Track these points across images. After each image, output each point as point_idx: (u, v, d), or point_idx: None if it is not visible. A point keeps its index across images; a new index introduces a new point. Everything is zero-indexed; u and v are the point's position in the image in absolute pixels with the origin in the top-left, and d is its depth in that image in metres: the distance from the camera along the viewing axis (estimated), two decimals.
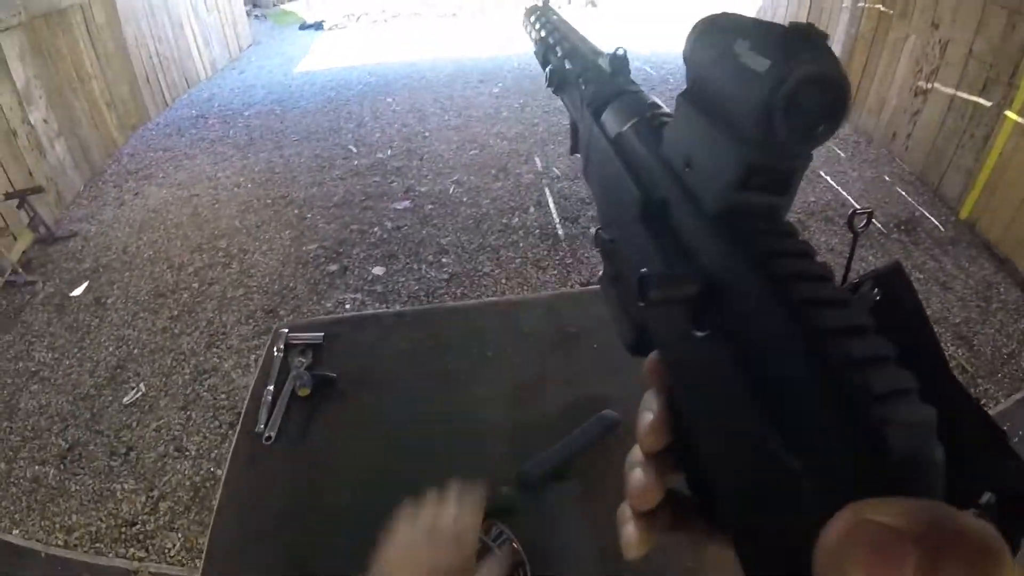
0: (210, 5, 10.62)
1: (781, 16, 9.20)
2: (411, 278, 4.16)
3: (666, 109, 0.47)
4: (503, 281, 4.09)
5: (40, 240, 5.03)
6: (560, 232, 4.61)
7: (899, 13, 6.61)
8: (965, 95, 5.54)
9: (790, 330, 0.25)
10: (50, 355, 3.81)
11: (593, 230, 0.50)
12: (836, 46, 7.70)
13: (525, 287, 4.04)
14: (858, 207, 2.45)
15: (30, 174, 5.30)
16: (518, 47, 10.32)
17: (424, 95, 7.94)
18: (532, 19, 0.82)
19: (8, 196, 4.79)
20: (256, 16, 15.49)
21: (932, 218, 5.29)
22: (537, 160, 5.79)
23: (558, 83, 0.73)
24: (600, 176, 0.55)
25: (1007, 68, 5.09)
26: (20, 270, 4.58)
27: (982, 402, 3.33)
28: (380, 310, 3.60)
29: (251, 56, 11.68)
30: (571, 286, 4.02)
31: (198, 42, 9.94)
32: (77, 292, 4.39)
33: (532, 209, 4.94)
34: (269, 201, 5.35)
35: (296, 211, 5.15)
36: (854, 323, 0.26)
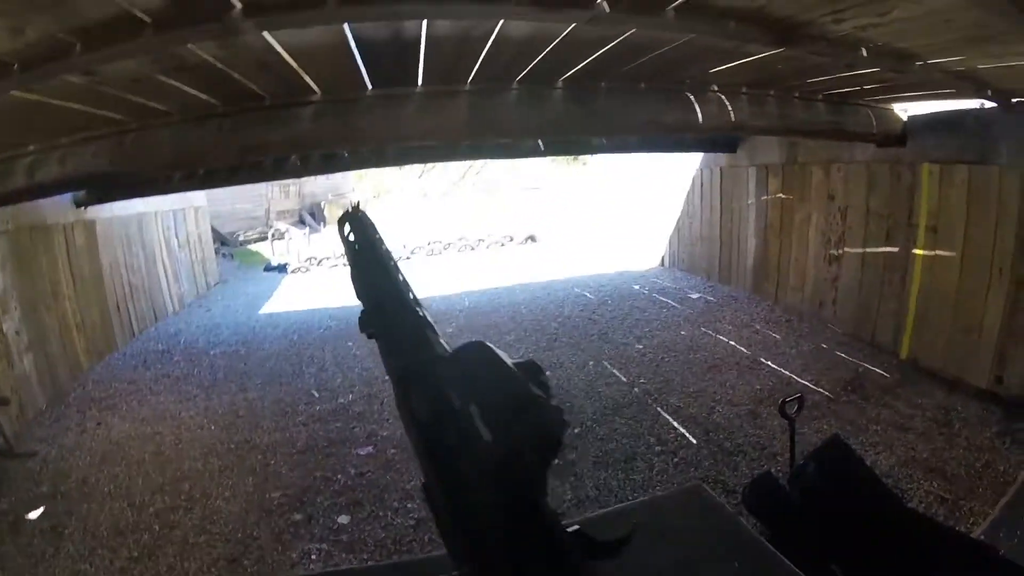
0: (182, 241, 11.28)
1: (696, 222, 10.37)
2: (377, 526, 4.07)
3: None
4: None
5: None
6: None
7: (798, 197, 7.58)
8: (873, 249, 6.30)
9: None
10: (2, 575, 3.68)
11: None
12: (750, 239, 8.74)
13: None
14: (788, 396, 2.79)
15: None
16: (472, 285, 11.35)
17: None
18: (347, 230, 0.87)
19: None
20: (224, 255, 16.28)
21: (876, 368, 5.66)
22: None
23: (369, 334, 0.78)
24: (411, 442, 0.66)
25: (903, 213, 5.83)
26: None
27: (969, 522, 3.44)
28: (346, 568, 3.61)
29: (218, 294, 12.22)
30: None
31: (168, 276, 10.46)
32: (33, 515, 4.30)
33: None
34: (233, 445, 5.36)
35: (260, 456, 5.14)
36: None
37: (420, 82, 4.19)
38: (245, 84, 3.71)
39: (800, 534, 2.43)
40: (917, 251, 5.74)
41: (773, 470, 3.83)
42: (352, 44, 3.22)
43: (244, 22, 2.44)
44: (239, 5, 2.40)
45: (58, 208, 7.02)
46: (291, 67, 3.41)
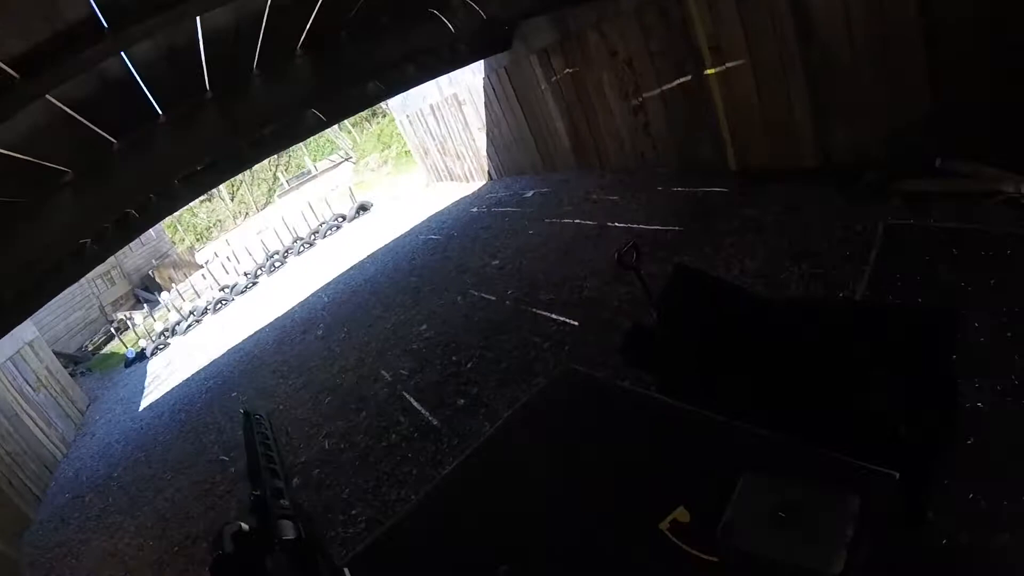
0: (35, 384, 10.48)
1: (504, 127, 10.57)
2: (332, 546, 3.97)
3: None
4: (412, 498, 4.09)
5: None
6: (435, 422, 4.76)
7: (584, 65, 7.92)
8: (669, 86, 6.62)
9: None
10: None
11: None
12: (557, 121, 9.16)
13: None
14: (619, 249, 2.81)
15: None
16: (319, 282, 11.26)
17: (262, 372, 8.24)
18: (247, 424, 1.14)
19: None
20: (81, 373, 15.30)
21: (713, 189, 6.01)
22: (384, 372, 6.10)
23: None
24: None
25: (683, 44, 6.16)
26: None
27: (849, 287, 3.68)
28: None
29: (94, 415, 11.55)
30: None
31: (40, 425, 9.73)
32: None
33: (402, 418, 5.09)
34: (176, 548, 5.21)
35: (204, 544, 4.98)
36: None
37: (160, 111, 3.98)
38: None
39: (679, 365, 2.58)
40: (708, 71, 5.99)
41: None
42: (67, 110, 3.01)
43: None
44: None
45: None
46: (21, 160, 3.16)
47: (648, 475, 1.59)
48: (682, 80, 6.43)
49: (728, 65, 5.77)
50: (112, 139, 3.90)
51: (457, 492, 1.92)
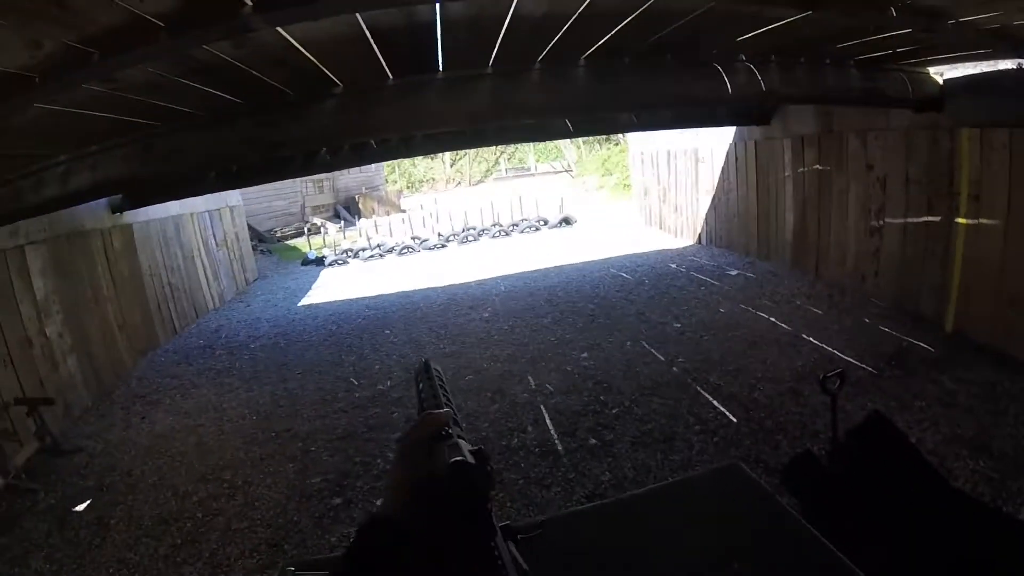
0: (220, 240, 11.52)
1: (732, 197, 10.20)
2: None
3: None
4: (507, 504, 3.98)
5: (45, 450, 5.14)
6: (559, 447, 4.68)
7: (835, 167, 7.37)
8: (915, 219, 6.08)
9: None
10: (48, 566, 3.80)
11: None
12: (787, 213, 8.56)
13: (530, 508, 3.95)
14: (829, 372, 2.69)
15: (41, 384, 5.57)
16: (502, 270, 11.44)
17: (420, 326, 8.48)
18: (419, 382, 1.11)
19: (18, 402, 5.02)
20: (262, 251, 16.61)
21: (920, 343, 5.48)
22: (530, 379, 6.06)
23: None
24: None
25: (943, 180, 5.61)
26: (23, 475, 4.69)
27: (1018, 502, 3.32)
28: None
29: (257, 290, 12.49)
30: (577, 501, 3.93)
31: (207, 275, 10.71)
32: (80, 508, 4.44)
33: (530, 428, 5.04)
34: (273, 434, 5.47)
35: (300, 444, 5.22)
36: None
37: (441, 68, 4.17)
38: (266, 81, 3.73)
39: (840, 513, 2.37)
40: (960, 220, 5.50)
41: (814, 449, 3.77)
42: (367, 33, 3.21)
43: (255, 18, 2.44)
44: (250, 3, 2.40)
45: (95, 214, 7.20)
46: (309, 61, 3.42)
47: None
48: (930, 219, 5.92)
49: (982, 221, 5.24)
50: (390, 74, 4.12)
51: (588, 527, 1.83)
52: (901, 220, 6.38)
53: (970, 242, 5.43)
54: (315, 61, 3.46)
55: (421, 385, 1.08)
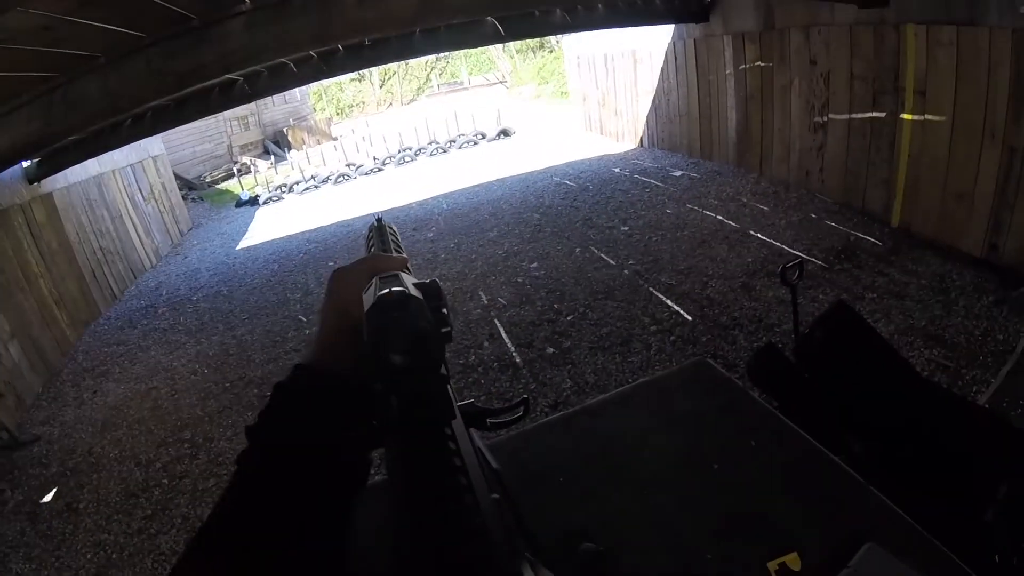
0: (147, 194, 10.97)
1: (673, 98, 10.10)
2: None
3: None
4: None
5: (3, 447, 4.97)
6: (518, 360, 4.69)
7: (777, 63, 7.28)
8: (859, 115, 6.07)
9: None
10: (28, 566, 3.69)
11: None
12: (730, 111, 8.50)
13: None
14: (788, 262, 2.68)
15: None
16: (443, 188, 11.23)
17: (362, 252, 8.11)
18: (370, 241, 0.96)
19: None
20: (192, 199, 15.98)
21: (868, 237, 5.59)
22: (482, 294, 6.02)
23: None
24: None
25: (889, 76, 5.59)
26: None
27: (972, 391, 3.44)
28: None
29: (193, 240, 12.04)
30: (542, 412, 3.93)
31: (139, 232, 10.22)
32: (47, 498, 4.31)
33: (486, 343, 5.04)
34: (228, 384, 5.36)
35: (256, 390, 5.13)
36: None
37: None
38: (165, 6, 3.40)
39: (811, 404, 2.35)
40: (905, 116, 5.46)
41: (774, 341, 3.78)
42: None
43: None
44: None
45: (11, 189, 6.74)
46: None
47: (767, 505, 1.39)
48: (875, 115, 5.87)
49: (927, 117, 5.22)
50: None
51: (558, 438, 1.75)
52: (845, 116, 6.32)
53: (916, 138, 5.41)
54: None
55: (372, 244, 0.94)
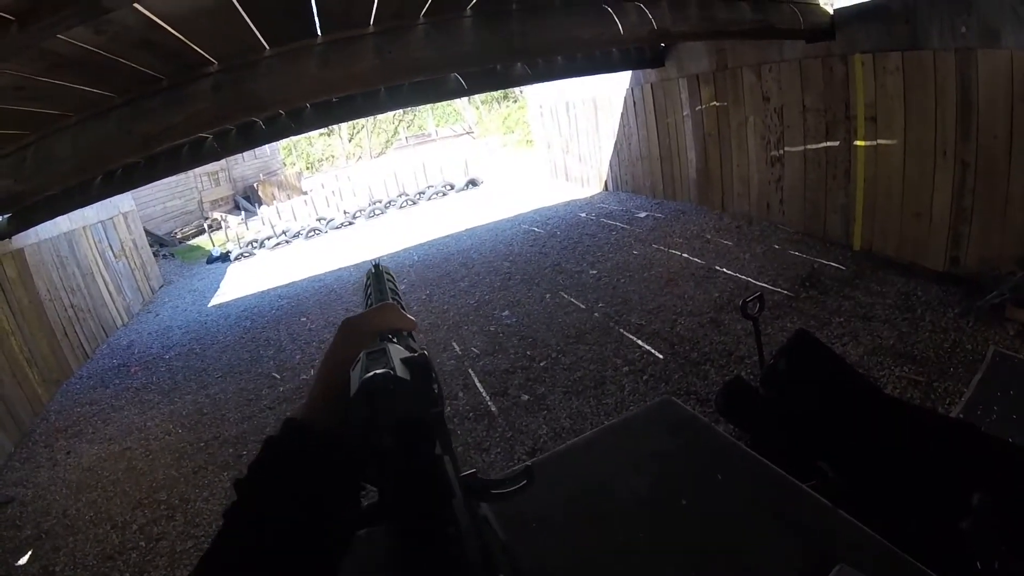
0: (117, 251, 10.88)
1: (634, 142, 10.39)
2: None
3: None
4: None
5: None
6: (493, 409, 4.69)
7: (733, 102, 7.54)
8: (814, 145, 6.31)
9: None
10: None
11: None
12: (689, 151, 8.75)
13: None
14: (748, 296, 2.76)
15: None
16: (413, 240, 11.30)
17: (335, 307, 8.30)
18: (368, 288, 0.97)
19: None
20: (163, 256, 15.88)
21: (831, 263, 5.75)
22: (455, 344, 6.03)
23: None
24: None
25: (840, 106, 5.84)
26: None
27: (946, 403, 3.50)
28: None
29: (164, 297, 11.93)
30: (518, 459, 3.95)
31: (110, 289, 10.09)
32: (22, 561, 4.19)
33: (461, 394, 5.01)
34: (202, 444, 5.28)
35: (231, 450, 5.06)
36: None
37: (319, 32, 3.97)
38: (134, 68, 3.48)
39: (778, 433, 2.42)
40: (858, 143, 5.71)
41: (743, 374, 3.87)
42: (235, 1, 3.02)
43: None
44: None
45: None
46: (177, 39, 3.21)
47: (736, 536, 1.46)
48: (829, 144, 6.13)
49: (880, 142, 5.46)
50: (266, 44, 3.91)
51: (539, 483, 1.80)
52: (801, 148, 6.57)
53: (870, 163, 5.64)
54: (183, 38, 3.24)
55: (370, 291, 0.96)
